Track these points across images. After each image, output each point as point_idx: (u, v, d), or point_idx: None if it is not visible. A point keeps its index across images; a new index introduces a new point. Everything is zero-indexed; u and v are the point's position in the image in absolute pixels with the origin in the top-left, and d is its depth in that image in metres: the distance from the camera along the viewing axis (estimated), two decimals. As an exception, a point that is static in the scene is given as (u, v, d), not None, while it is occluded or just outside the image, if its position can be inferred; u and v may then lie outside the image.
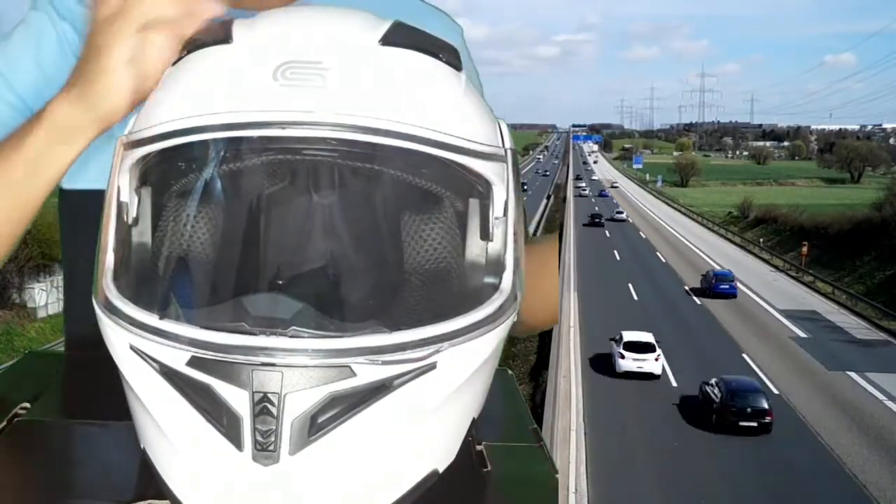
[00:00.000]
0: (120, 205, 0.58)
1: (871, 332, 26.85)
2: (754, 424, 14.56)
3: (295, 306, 0.55)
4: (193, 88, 0.57)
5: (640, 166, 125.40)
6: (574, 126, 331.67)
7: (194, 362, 0.52)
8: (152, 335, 0.53)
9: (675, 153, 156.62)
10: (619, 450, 13.93)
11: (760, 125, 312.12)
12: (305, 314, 0.54)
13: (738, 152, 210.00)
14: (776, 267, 40.30)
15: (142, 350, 0.54)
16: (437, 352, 0.53)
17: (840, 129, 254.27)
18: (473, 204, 0.60)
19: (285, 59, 0.55)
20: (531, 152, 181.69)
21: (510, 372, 0.76)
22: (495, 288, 0.56)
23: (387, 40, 0.57)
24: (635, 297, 27.94)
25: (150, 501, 0.55)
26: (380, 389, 0.52)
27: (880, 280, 34.41)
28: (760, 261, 42.22)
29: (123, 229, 0.59)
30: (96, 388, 0.71)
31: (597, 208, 58.04)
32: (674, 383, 17.31)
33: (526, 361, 23.17)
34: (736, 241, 49.24)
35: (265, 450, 0.50)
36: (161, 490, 0.55)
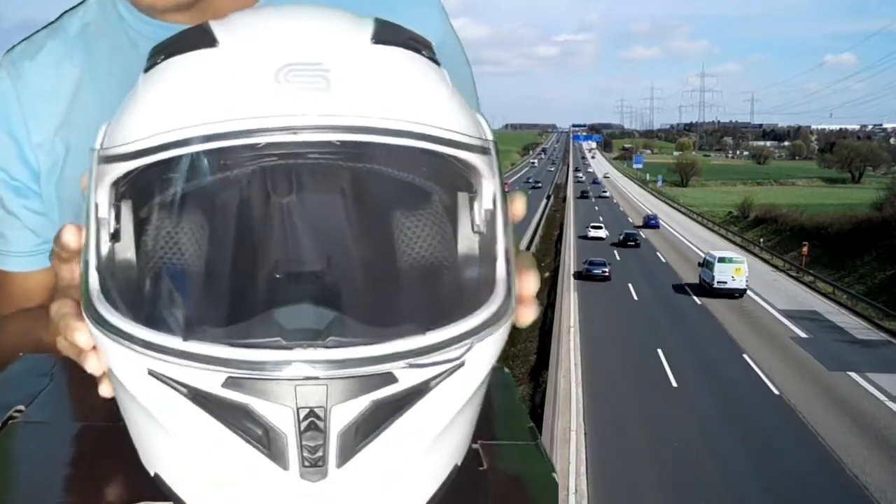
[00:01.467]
0: (99, 220, 0.54)
1: (871, 333, 26.86)
2: (633, 243, 43.57)
3: (327, 315, 0.52)
4: (189, 94, 0.53)
5: (640, 166, 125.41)
6: (574, 126, 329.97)
7: (230, 383, 0.49)
8: (178, 358, 0.49)
9: (676, 153, 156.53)
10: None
11: (760, 125, 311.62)
12: (340, 322, 0.52)
13: (738, 152, 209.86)
14: (776, 267, 40.36)
15: (164, 374, 0.50)
16: (469, 349, 0.52)
17: (840, 128, 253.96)
18: (463, 197, 0.59)
19: (285, 61, 0.52)
20: (531, 152, 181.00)
21: (506, 370, 0.75)
22: (496, 280, 0.56)
23: (378, 38, 0.56)
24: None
25: None
26: (418, 392, 0.51)
27: (881, 280, 34.42)
28: (761, 261, 42.24)
29: (113, 246, 0.55)
30: (92, 391, 0.70)
31: (588, 188, 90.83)
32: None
33: (526, 361, 23.14)
34: (736, 241, 49.23)
35: (314, 465, 0.49)
36: (168, 497, 0.53)
